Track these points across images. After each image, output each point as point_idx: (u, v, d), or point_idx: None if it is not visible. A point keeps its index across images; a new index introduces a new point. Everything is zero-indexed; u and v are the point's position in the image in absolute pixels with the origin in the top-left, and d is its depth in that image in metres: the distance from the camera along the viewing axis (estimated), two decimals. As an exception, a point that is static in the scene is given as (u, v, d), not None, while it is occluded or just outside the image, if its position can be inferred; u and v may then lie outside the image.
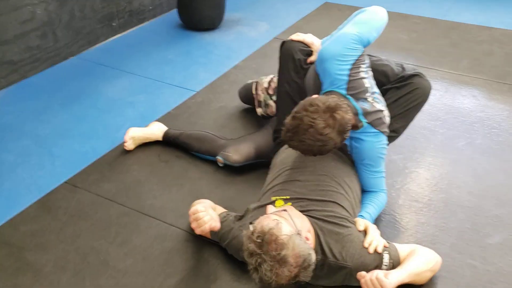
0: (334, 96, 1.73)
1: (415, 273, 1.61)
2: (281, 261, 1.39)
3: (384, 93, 1.97)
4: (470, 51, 3.41)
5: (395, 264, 1.66)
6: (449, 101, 2.83)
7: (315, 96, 1.71)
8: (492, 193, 2.13)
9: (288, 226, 1.49)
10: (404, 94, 1.99)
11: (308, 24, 3.91)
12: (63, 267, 1.79)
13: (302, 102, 1.67)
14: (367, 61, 1.86)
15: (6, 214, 2.02)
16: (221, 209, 1.88)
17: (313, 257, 1.49)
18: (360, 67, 1.79)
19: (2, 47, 2.83)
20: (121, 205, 2.07)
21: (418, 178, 2.22)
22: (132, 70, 3.19)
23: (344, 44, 1.78)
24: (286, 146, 1.90)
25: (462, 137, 2.50)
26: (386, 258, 1.64)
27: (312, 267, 1.47)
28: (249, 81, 2.62)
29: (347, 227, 1.67)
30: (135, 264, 1.80)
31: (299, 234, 1.49)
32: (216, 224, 1.65)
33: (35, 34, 3.01)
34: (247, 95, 2.60)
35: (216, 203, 1.92)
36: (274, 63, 3.25)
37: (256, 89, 2.50)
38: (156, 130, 2.42)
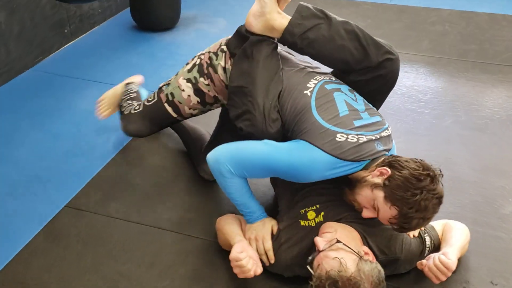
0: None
1: (461, 247, 1.67)
2: None
3: (350, 85, 1.75)
4: (426, 32, 3.58)
5: (436, 244, 1.72)
6: (424, 82, 2.95)
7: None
8: (491, 165, 2.25)
9: (350, 257, 1.43)
10: (375, 88, 1.76)
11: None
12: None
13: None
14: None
15: (8, 252, 1.82)
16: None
17: (382, 271, 1.46)
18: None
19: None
20: (138, 224, 1.94)
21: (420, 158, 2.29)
22: (98, 78, 2.99)
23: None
24: None
25: (447, 115, 2.63)
26: (428, 241, 1.69)
27: (384, 282, 1.45)
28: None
29: None
30: (173, 284, 1.70)
31: (361, 258, 1.46)
32: (259, 269, 1.54)
33: (-9, 46, 2.72)
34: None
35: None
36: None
37: (178, 111, 1.95)
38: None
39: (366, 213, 1.54)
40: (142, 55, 3.28)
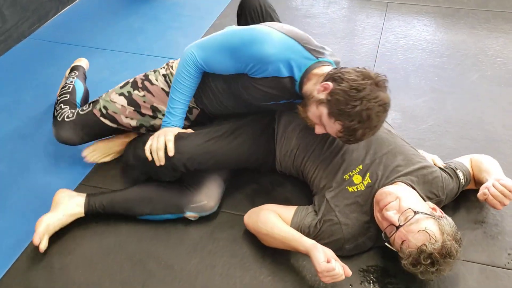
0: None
1: (501, 171, 1.68)
2: (456, 256, 1.37)
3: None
4: (443, -18, 3.38)
5: (468, 179, 1.71)
6: (444, 35, 2.80)
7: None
8: (528, 122, 2.14)
9: (430, 223, 1.40)
10: None
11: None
12: (124, 281, 1.57)
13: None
14: None
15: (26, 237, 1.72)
16: (287, 211, 1.64)
17: (453, 221, 1.45)
18: None
19: None
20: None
21: (451, 118, 2.18)
22: (100, 45, 2.82)
23: None
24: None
25: (473, 70, 2.49)
26: (461, 176, 1.68)
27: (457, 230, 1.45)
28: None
29: (424, 166, 1.62)
30: (203, 261, 1.62)
31: (436, 218, 1.43)
32: (349, 271, 1.43)
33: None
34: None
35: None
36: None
37: (116, 121, 1.84)
38: (72, 208, 1.71)
39: (318, 130, 1.52)
40: (144, 18, 3.09)
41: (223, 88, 1.71)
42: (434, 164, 1.71)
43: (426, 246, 1.34)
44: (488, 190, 1.53)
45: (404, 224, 1.41)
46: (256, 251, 1.63)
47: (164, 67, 1.85)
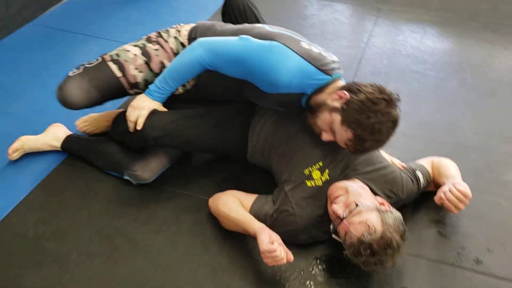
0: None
1: (459, 176, 1.74)
2: (397, 247, 1.42)
3: None
4: (438, -10, 3.45)
5: (429, 180, 1.78)
6: (430, 43, 2.87)
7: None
8: (496, 131, 2.20)
9: (372, 215, 1.47)
10: None
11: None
12: (90, 253, 1.67)
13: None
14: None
15: (7, 204, 1.84)
16: (248, 199, 1.73)
17: (400, 215, 1.52)
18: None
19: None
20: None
21: (423, 122, 2.25)
22: (98, 34, 2.93)
23: None
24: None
25: (453, 78, 2.56)
26: (421, 178, 1.75)
27: (404, 224, 1.51)
28: (87, 66, 1.83)
29: (384, 166, 1.70)
30: (167, 240, 1.71)
31: (381, 211, 1.49)
32: (291, 256, 1.48)
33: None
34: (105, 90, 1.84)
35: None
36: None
37: (123, 69, 1.82)
38: (52, 139, 2.02)
39: (325, 136, 1.59)
40: (143, 10, 3.20)
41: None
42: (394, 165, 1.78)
43: (365, 237, 1.41)
44: (445, 194, 1.59)
45: (347, 216, 1.48)
46: (217, 234, 1.72)
47: (174, 28, 1.91)
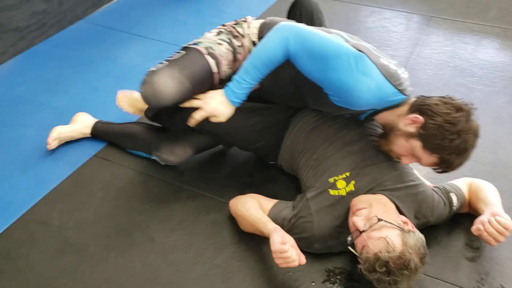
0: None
1: (500, 203, 1.62)
2: (414, 270, 1.35)
3: None
4: (498, 0, 3.26)
5: (462, 203, 1.68)
6: (482, 55, 2.71)
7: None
8: (543, 151, 2.05)
9: (394, 233, 1.40)
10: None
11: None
12: (107, 246, 1.70)
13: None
14: None
15: (38, 192, 1.91)
16: (268, 202, 1.70)
17: (423, 238, 1.44)
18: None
19: (8, 12, 2.63)
20: (159, 179, 1.96)
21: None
22: (143, 33, 3.01)
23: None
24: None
25: (502, 93, 2.41)
26: (454, 200, 1.65)
27: (426, 247, 1.43)
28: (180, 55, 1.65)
29: (414, 185, 1.61)
30: (182, 239, 1.72)
31: (403, 230, 1.42)
32: (303, 259, 1.44)
33: (40, -2, 2.81)
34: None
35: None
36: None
37: (218, 65, 1.67)
38: (83, 127, 2.13)
39: (405, 161, 1.54)
40: (189, 11, 3.25)
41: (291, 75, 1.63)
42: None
43: (382, 253, 1.34)
44: (483, 225, 1.49)
45: (366, 230, 1.42)
46: (232, 237, 1.71)
47: (244, 21, 1.76)
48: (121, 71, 2.64)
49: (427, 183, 1.72)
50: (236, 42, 1.72)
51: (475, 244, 1.67)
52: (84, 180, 1.97)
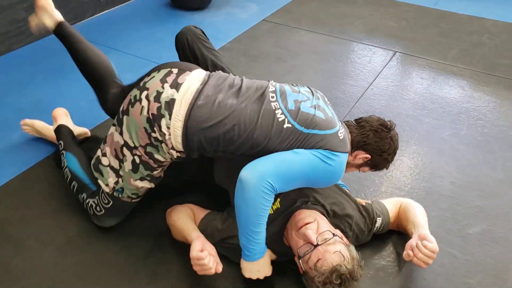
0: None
1: (427, 223, 1.73)
2: (359, 281, 1.47)
3: None
4: (460, 41, 3.42)
5: (385, 228, 1.80)
6: (436, 90, 2.85)
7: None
8: (475, 184, 2.15)
9: (343, 247, 1.51)
10: None
11: (298, 7, 3.87)
12: (45, 242, 1.78)
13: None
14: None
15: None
16: (201, 212, 1.79)
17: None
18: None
19: (-13, 17, 2.77)
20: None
21: (402, 166, 2.24)
22: (119, 47, 3.15)
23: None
24: None
25: (448, 127, 2.52)
26: (378, 224, 1.78)
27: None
28: None
29: (337, 202, 1.74)
30: (118, 241, 1.80)
31: (346, 244, 1.55)
32: (220, 267, 1.54)
33: (21, 7, 2.95)
34: None
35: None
36: (261, 45, 3.27)
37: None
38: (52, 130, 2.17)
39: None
40: (166, 30, 3.40)
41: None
42: (359, 202, 1.80)
43: (341, 266, 1.44)
44: (413, 251, 1.57)
45: (322, 244, 1.50)
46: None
47: (161, 142, 1.58)
48: (90, 80, 2.76)
49: (360, 200, 1.83)
50: (156, 172, 1.67)
51: (389, 264, 1.76)
52: (35, 179, 2.06)
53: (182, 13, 3.67)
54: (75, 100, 2.58)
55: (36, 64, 2.89)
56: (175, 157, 1.62)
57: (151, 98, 1.56)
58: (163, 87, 1.57)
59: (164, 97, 1.55)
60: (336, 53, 3.23)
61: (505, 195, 2.09)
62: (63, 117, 2.19)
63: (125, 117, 1.62)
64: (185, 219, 1.72)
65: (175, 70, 1.63)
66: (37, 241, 1.78)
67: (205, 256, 1.50)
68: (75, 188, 1.86)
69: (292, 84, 1.72)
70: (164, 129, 1.55)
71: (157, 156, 1.61)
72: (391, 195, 2.07)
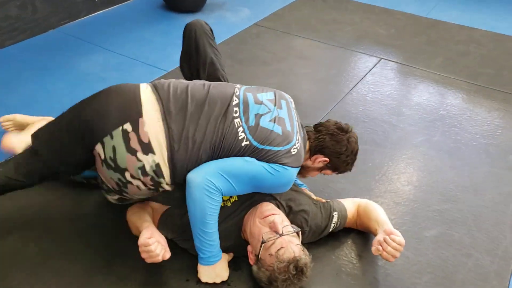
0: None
1: (388, 220, 1.79)
2: (308, 278, 1.56)
3: None
4: (446, 50, 3.44)
5: (342, 224, 1.86)
6: (415, 97, 2.87)
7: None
8: (438, 189, 2.18)
9: (298, 241, 1.62)
10: None
11: (290, 12, 3.93)
12: (8, 230, 1.85)
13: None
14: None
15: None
16: (162, 207, 1.82)
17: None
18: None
19: (-21, 14, 2.87)
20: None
21: (369, 169, 2.27)
22: (108, 46, 3.23)
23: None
24: None
25: (421, 133, 2.55)
26: (335, 218, 1.83)
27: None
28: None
29: (293, 198, 1.81)
30: (85, 226, 1.87)
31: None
32: (168, 254, 1.57)
33: (14, 4, 3.05)
34: None
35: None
36: (249, 49, 3.33)
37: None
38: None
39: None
40: (157, 32, 3.48)
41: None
42: (314, 198, 1.87)
43: (301, 258, 1.53)
44: (382, 245, 1.62)
45: (287, 234, 1.59)
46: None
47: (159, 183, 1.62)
48: (76, 77, 2.85)
49: (318, 198, 1.89)
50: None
51: (346, 262, 1.79)
52: None
53: (175, 15, 3.75)
54: (59, 96, 2.66)
55: (24, 61, 2.98)
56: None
57: (139, 176, 1.57)
58: (138, 159, 1.54)
59: (148, 169, 1.56)
60: (321, 59, 3.27)
61: (467, 200, 2.11)
62: (18, 144, 2.06)
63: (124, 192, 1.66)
64: (138, 214, 1.78)
65: (127, 127, 1.54)
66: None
67: (152, 243, 1.55)
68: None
69: (258, 91, 1.75)
70: (164, 186, 1.63)
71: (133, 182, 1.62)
72: (355, 196, 2.09)
